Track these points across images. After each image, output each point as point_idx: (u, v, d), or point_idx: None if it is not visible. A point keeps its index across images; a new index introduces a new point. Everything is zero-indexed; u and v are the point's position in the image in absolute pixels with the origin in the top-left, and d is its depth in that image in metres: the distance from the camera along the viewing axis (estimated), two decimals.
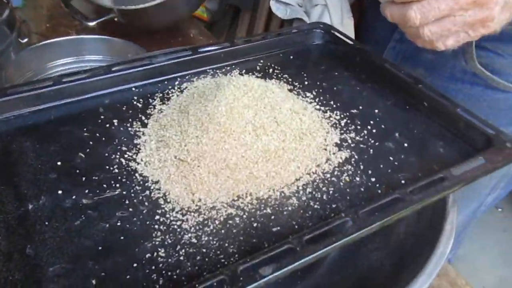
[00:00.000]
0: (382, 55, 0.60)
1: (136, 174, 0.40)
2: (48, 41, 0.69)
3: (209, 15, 1.18)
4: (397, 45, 0.71)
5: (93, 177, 0.39)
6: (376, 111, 0.50)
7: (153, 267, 0.32)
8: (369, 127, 0.47)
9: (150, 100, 0.49)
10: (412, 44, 0.47)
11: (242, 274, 0.29)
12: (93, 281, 0.31)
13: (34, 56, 0.69)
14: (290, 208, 0.38)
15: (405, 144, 0.45)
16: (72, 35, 0.85)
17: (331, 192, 0.39)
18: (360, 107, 0.50)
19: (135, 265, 0.32)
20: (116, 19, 0.76)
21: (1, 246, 0.32)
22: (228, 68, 0.56)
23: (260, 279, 0.29)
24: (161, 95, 0.50)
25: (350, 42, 0.59)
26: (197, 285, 0.28)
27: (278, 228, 0.36)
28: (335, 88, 0.53)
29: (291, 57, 0.59)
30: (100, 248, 0.33)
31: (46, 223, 0.34)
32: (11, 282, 0.30)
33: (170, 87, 0.52)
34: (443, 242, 0.35)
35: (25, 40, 0.68)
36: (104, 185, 0.38)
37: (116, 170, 0.40)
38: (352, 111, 0.50)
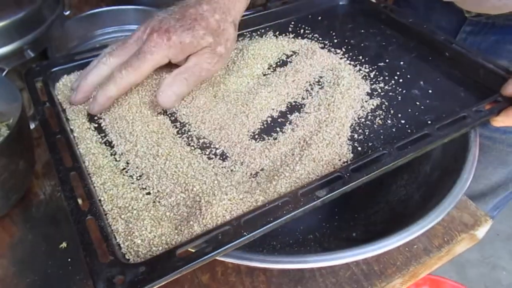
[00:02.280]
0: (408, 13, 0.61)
1: None
2: (90, 11, 0.74)
3: None
4: (468, 37, 0.69)
5: None
6: (402, 63, 0.55)
7: None
8: (396, 77, 0.52)
9: None
10: (491, 37, 0.48)
11: (302, 196, 0.36)
12: None
13: (78, 27, 0.74)
14: None
15: (430, 91, 0.50)
16: (103, 6, 0.89)
17: (367, 133, 0.45)
18: (387, 60, 0.55)
19: None
20: None
21: None
22: (263, 30, 0.61)
23: (317, 199, 0.35)
24: None
25: (374, 1, 0.64)
26: (267, 205, 0.35)
27: None
28: (362, 44, 0.58)
29: (320, 17, 0.64)
30: None
31: None
32: None
33: None
34: (467, 170, 0.41)
35: (68, 12, 0.73)
36: None
37: None
38: (380, 64, 0.55)
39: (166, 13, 0.47)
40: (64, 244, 0.50)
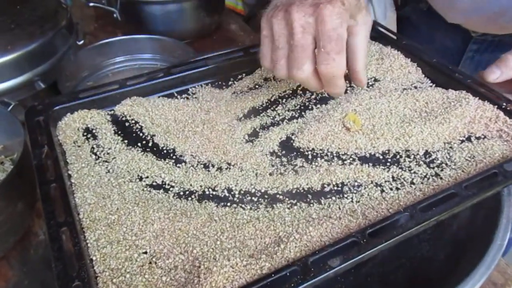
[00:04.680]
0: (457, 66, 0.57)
1: None
2: (102, 41, 0.73)
3: (247, 9, 1.19)
4: (475, 55, 0.68)
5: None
6: None
7: None
8: None
9: None
10: (499, 54, 0.46)
11: (313, 265, 0.32)
12: None
13: (90, 56, 0.73)
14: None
15: None
16: (119, 35, 0.88)
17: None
18: None
19: None
20: None
21: None
22: None
23: (330, 270, 0.32)
24: None
25: (395, 38, 0.60)
26: (273, 275, 0.31)
27: None
28: None
29: None
30: None
31: None
32: None
33: (224, 86, 0.54)
34: (500, 236, 0.37)
35: (81, 42, 0.72)
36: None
37: None
38: None
39: None
40: None
